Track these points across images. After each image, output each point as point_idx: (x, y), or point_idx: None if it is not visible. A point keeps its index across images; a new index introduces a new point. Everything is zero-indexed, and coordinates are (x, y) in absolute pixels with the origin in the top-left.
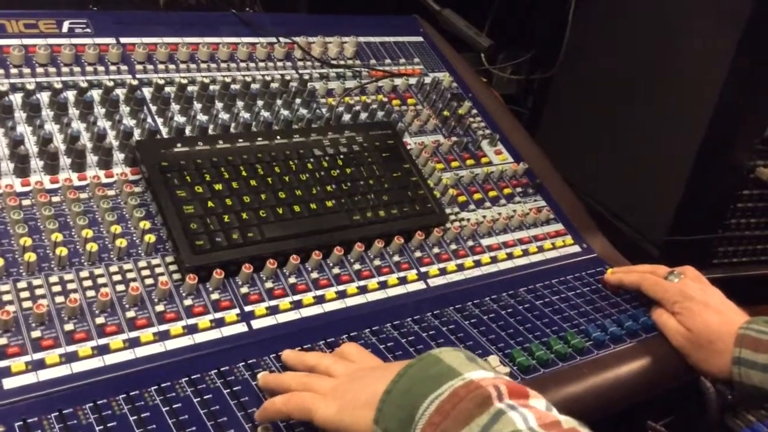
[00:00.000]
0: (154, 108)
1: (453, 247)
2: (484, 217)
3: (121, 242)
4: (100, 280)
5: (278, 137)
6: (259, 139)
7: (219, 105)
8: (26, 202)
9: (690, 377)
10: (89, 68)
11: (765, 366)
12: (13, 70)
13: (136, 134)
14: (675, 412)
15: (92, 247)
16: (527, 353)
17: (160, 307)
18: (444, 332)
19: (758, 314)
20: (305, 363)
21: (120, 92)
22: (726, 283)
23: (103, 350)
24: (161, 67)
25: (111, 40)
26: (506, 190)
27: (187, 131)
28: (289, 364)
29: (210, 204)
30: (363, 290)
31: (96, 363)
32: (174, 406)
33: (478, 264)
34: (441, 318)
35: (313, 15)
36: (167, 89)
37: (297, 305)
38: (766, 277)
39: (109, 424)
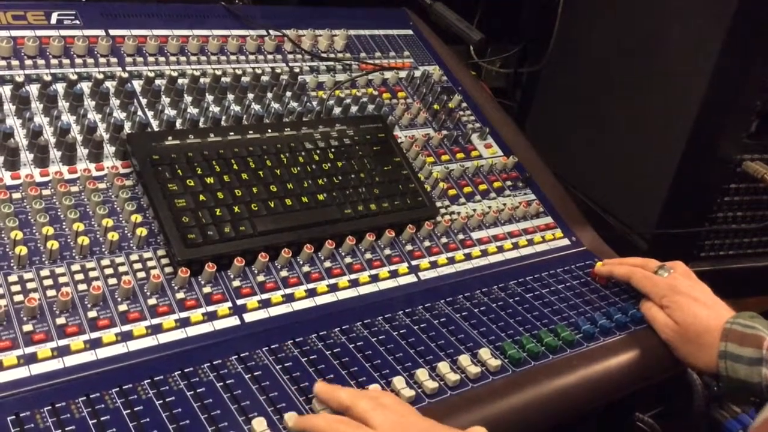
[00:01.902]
0: (144, 101)
1: (444, 240)
2: (475, 210)
3: (113, 236)
4: (92, 274)
5: (269, 130)
6: (250, 132)
7: (209, 98)
8: (16, 196)
9: (678, 370)
10: (78, 60)
11: (750, 360)
12: (2, 63)
13: (127, 127)
14: (663, 403)
15: (83, 240)
16: (518, 346)
17: (152, 301)
18: (435, 325)
19: (744, 307)
20: (340, 401)
21: (110, 85)
22: (713, 276)
23: (96, 344)
24: (151, 59)
25: (100, 32)
26: (496, 184)
27: (178, 124)
28: (321, 398)
29: (201, 197)
30: (354, 283)
31: (89, 357)
32: (167, 399)
33: (468, 257)
34: (432, 311)
35: (303, 7)
36: (157, 82)
37: (289, 298)
38: (753, 271)
39: (102, 418)
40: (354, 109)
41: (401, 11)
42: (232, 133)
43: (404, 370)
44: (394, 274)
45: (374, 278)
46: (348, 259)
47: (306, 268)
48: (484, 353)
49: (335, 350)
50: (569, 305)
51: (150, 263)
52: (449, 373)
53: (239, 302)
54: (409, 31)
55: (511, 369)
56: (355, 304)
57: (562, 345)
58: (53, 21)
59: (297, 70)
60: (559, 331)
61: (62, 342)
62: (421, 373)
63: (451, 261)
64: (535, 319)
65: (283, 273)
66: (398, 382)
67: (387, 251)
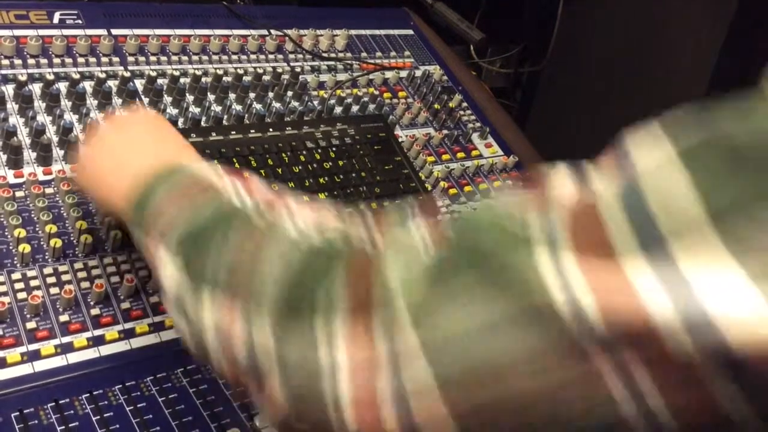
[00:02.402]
0: (146, 100)
1: None
2: (475, 209)
3: (116, 234)
4: (95, 272)
5: (271, 129)
6: (252, 131)
7: (211, 97)
8: (19, 194)
9: None
10: (81, 60)
11: None
12: (4, 61)
13: None
14: None
15: (86, 238)
16: None
17: (155, 299)
18: None
19: None
20: None
21: (112, 84)
22: None
23: (99, 341)
24: (153, 59)
25: (102, 32)
26: (496, 183)
27: (180, 123)
28: None
29: None
30: None
31: (92, 354)
32: (170, 396)
33: None
34: None
35: (304, 7)
36: (159, 81)
37: None
38: None
39: (105, 415)
40: (355, 108)
41: (401, 11)
42: (233, 132)
43: None
44: None
45: None
46: None
47: None
48: None
49: None
50: None
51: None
52: None
53: None
54: (410, 31)
55: None
56: None
57: None
58: (55, 20)
59: (298, 69)
60: None
61: (65, 339)
62: None
63: None
64: None
65: None
66: None
67: None
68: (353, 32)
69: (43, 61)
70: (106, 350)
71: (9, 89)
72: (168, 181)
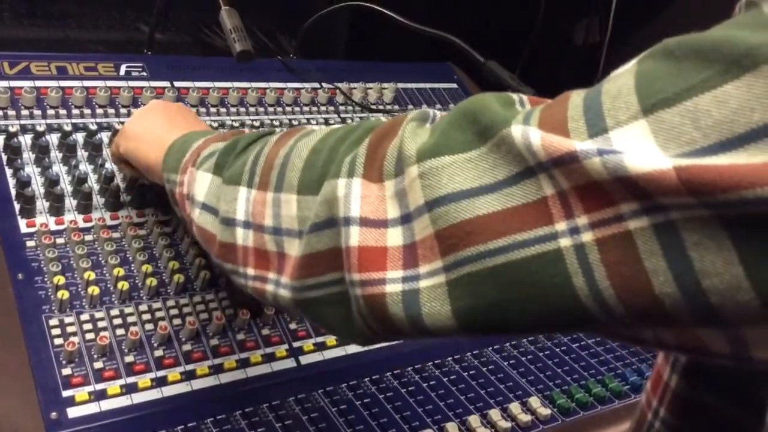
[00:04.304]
0: None
1: None
2: None
3: (179, 278)
4: (158, 314)
5: None
6: None
7: None
8: (88, 238)
9: None
10: None
11: None
12: (75, 111)
13: None
14: None
15: (151, 282)
16: (567, 396)
17: (214, 342)
18: (484, 372)
19: None
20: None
21: None
22: None
23: (161, 382)
24: (213, 110)
25: (166, 84)
26: None
27: None
28: None
29: None
30: None
31: (155, 394)
32: None
33: None
34: (480, 358)
35: (353, 62)
36: (219, 131)
37: (343, 342)
38: None
39: None
40: None
41: (446, 66)
42: None
43: (456, 416)
44: None
45: None
46: None
47: None
48: (534, 402)
49: (387, 394)
50: (615, 356)
51: (212, 305)
52: (500, 420)
53: (295, 345)
54: (454, 85)
55: (561, 418)
56: (403, 350)
57: (610, 396)
58: (122, 72)
59: (349, 120)
60: (607, 382)
61: (130, 380)
62: (473, 420)
63: None
64: (582, 369)
65: None
66: (451, 428)
67: None
68: (400, 85)
69: (111, 110)
70: (168, 391)
71: (79, 137)
72: (204, 134)
